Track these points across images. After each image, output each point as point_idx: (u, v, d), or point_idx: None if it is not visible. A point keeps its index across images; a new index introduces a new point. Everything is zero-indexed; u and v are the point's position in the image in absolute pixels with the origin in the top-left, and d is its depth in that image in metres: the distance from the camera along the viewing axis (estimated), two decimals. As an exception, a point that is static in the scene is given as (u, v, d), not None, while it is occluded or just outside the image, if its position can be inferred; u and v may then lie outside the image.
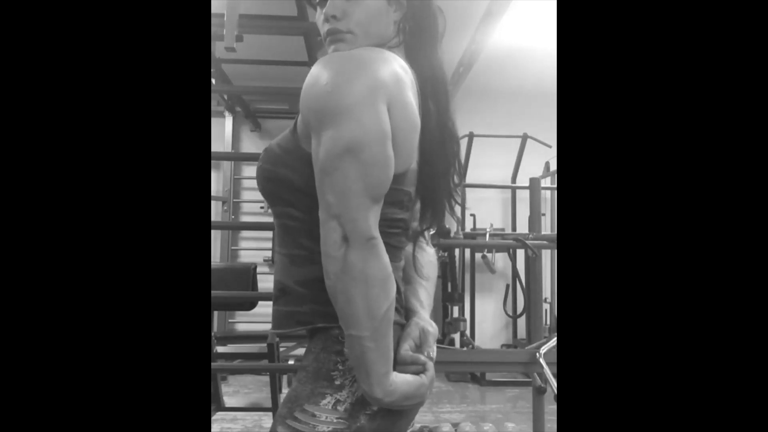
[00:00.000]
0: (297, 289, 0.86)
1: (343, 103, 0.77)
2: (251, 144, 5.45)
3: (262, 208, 5.28)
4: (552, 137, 4.56)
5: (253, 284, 2.88)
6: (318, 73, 0.81)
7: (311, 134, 0.81)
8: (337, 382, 0.83)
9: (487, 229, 3.04)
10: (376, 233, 0.78)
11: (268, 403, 2.85)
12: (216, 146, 5.05)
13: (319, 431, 0.80)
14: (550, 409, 2.32)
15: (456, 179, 0.97)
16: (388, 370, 0.79)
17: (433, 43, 0.94)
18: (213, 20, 2.35)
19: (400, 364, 0.83)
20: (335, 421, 0.81)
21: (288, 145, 0.87)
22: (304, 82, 0.83)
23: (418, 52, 0.93)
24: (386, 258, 0.79)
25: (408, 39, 0.93)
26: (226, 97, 4.88)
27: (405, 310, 0.90)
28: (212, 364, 2.44)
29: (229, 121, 5.33)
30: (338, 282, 0.77)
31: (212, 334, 3.10)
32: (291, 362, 4.10)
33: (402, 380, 0.81)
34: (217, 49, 2.90)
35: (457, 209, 1.02)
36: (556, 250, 4.00)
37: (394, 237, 0.88)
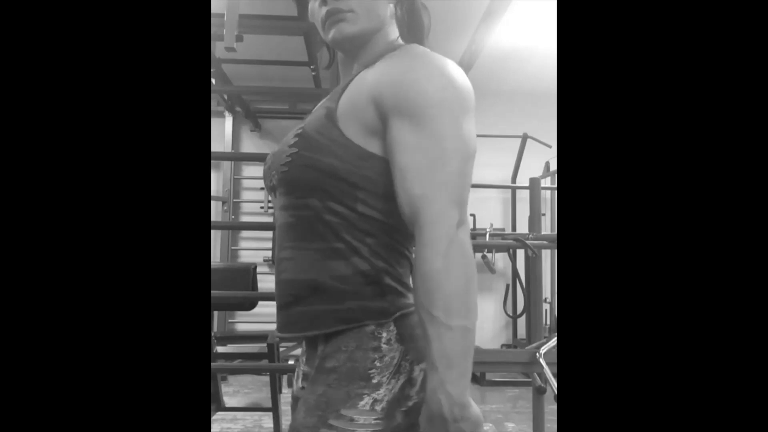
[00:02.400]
0: (336, 285, 0.82)
1: (470, 103, 0.81)
2: (251, 144, 5.45)
3: (262, 207, 5.28)
4: (552, 137, 4.57)
5: (253, 284, 2.88)
6: (434, 66, 0.81)
7: (399, 119, 0.79)
8: (375, 381, 0.79)
9: (487, 229, 3.03)
10: None
11: (268, 403, 2.85)
12: (216, 146, 5.05)
13: None
14: (550, 409, 2.32)
15: None
16: None
17: (420, 39, 0.93)
18: (213, 20, 2.35)
19: None
20: (373, 422, 0.78)
21: (330, 133, 0.83)
22: (397, 67, 0.82)
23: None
24: None
25: (401, 31, 0.92)
26: (226, 97, 4.89)
27: None
28: (212, 364, 2.44)
29: (229, 121, 5.34)
30: (456, 267, 0.74)
31: (212, 334, 3.10)
32: (291, 362, 4.10)
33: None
34: (217, 49, 2.90)
35: None
36: (556, 250, 4.00)
37: None
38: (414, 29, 0.92)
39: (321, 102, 0.93)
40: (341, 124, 0.82)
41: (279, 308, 0.89)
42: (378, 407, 0.78)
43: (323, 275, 0.83)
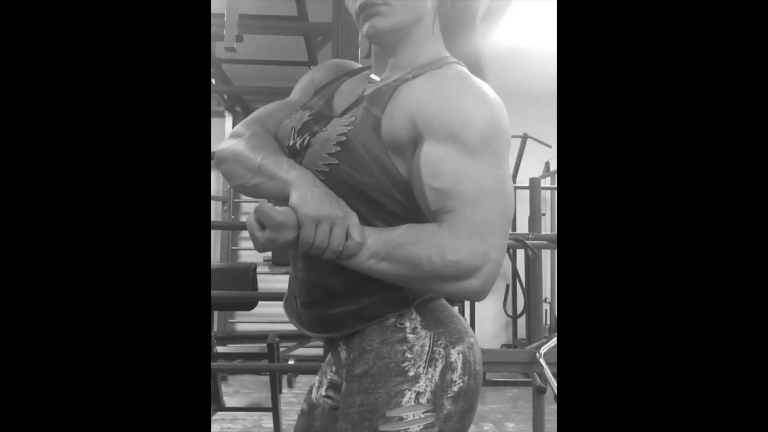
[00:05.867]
0: (362, 284, 0.78)
1: (508, 146, 0.77)
2: (251, 144, 5.43)
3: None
4: (552, 137, 4.57)
5: (253, 284, 2.88)
6: (493, 100, 0.76)
7: (438, 140, 0.74)
8: (411, 373, 0.76)
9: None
10: None
11: (268, 403, 2.84)
12: (216, 146, 5.03)
13: None
14: (550, 409, 2.32)
15: None
16: None
17: (470, 28, 0.87)
18: (213, 20, 2.35)
19: None
20: (423, 416, 0.75)
21: (375, 148, 0.77)
22: (444, 91, 0.76)
23: (455, 40, 0.87)
24: None
25: (444, 24, 0.86)
26: (226, 97, 4.88)
27: None
28: (212, 364, 2.44)
29: (229, 121, 5.33)
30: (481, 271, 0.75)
31: (212, 334, 3.10)
32: (291, 362, 4.10)
33: None
34: (217, 49, 2.90)
35: None
36: (556, 250, 4.00)
37: None
38: (458, 20, 0.87)
39: (357, 105, 0.83)
40: (385, 137, 0.77)
41: (301, 307, 0.86)
42: (423, 399, 0.76)
43: (353, 274, 0.77)
